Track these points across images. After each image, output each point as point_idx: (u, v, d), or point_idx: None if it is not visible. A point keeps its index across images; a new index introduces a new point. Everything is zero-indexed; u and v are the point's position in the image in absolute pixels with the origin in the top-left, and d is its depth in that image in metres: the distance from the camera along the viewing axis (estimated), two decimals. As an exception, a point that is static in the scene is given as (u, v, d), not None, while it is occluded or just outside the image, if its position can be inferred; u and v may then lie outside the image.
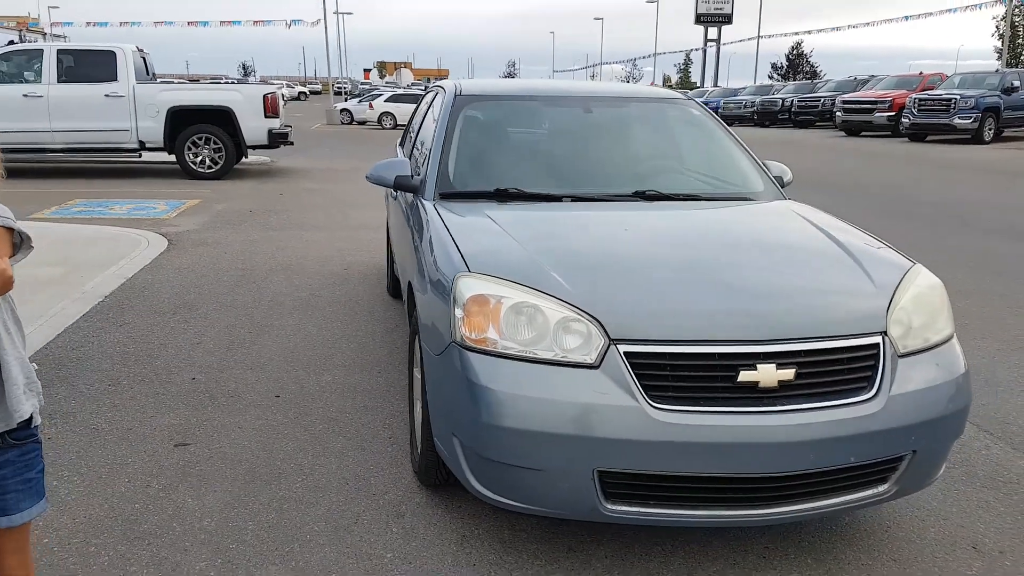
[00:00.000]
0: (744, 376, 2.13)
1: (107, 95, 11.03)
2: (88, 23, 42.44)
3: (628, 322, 2.18)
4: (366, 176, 3.54)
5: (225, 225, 8.29)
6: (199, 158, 11.81)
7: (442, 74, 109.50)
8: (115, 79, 11.08)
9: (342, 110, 32.98)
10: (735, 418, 2.10)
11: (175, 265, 6.35)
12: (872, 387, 2.22)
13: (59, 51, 11.11)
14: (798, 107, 30.86)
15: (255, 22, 39.23)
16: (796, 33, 71.15)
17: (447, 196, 3.18)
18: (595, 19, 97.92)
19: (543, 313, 2.21)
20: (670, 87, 66.87)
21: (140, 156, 11.98)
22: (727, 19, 59.78)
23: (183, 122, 11.60)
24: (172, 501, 2.73)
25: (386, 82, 77.46)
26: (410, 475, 2.94)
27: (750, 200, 3.34)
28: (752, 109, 33.85)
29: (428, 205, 3.09)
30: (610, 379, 2.12)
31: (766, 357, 2.15)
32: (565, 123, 3.71)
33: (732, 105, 35.58)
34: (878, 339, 2.28)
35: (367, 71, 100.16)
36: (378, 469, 3.00)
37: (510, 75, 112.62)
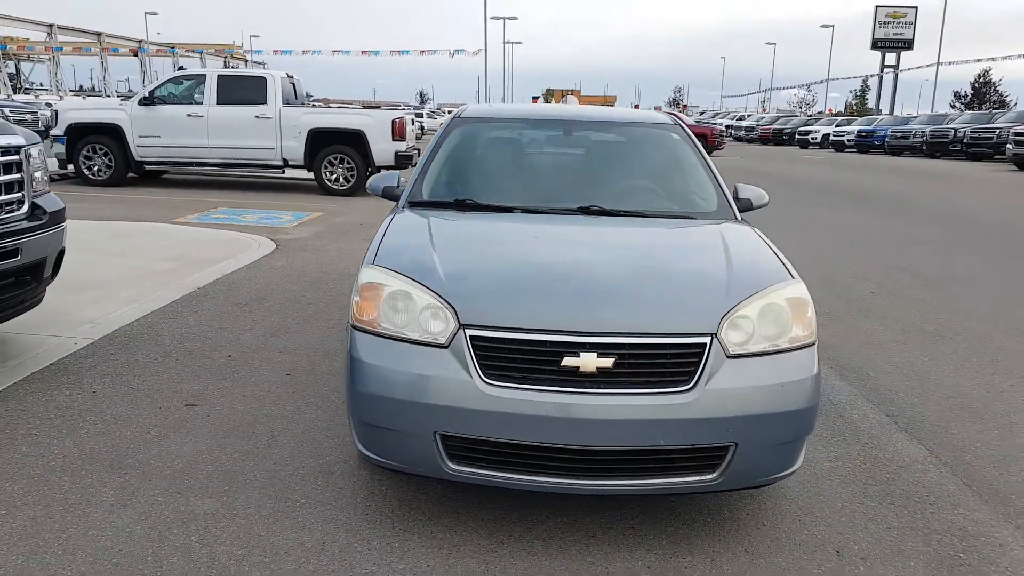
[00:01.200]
0: (567, 361, 2.44)
1: (257, 116, 12.46)
2: (275, 51, 46.86)
3: (476, 310, 2.55)
4: (366, 187, 4.08)
5: (333, 234, 9.20)
6: (334, 176, 13.00)
7: (608, 101, 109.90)
8: (264, 102, 12.50)
9: (492, 133, 34.34)
10: (554, 396, 2.41)
11: (270, 266, 7.23)
12: (691, 381, 2.45)
13: (219, 76, 12.70)
14: (971, 138, 28.53)
15: (421, 52, 41.73)
16: (979, 60, 65.19)
17: (415, 205, 3.65)
18: (767, 44, 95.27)
19: (413, 301, 2.62)
20: (852, 113, 63.27)
21: (283, 172, 13.37)
22: (907, 45, 56.31)
23: (321, 143, 12.82)
24: (159, 445, 3.36)
25: (548, 107, 78.99)
26: (354, 442, 3.41)
27: (691, 218, 3.55)
28: (921, 139, 31.76)
29: (396, 212, 3.57)
30: (454, 357, 2.50)
31: (588, 347, 2.44)
32: (542, 144, 4.08)
33: (900, 134, 33.59)
34: (706, 340, 2.49)
35: (535, 98, 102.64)
36: (333, 437, 3.49)
37: (675, 101, 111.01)
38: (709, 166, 3.89)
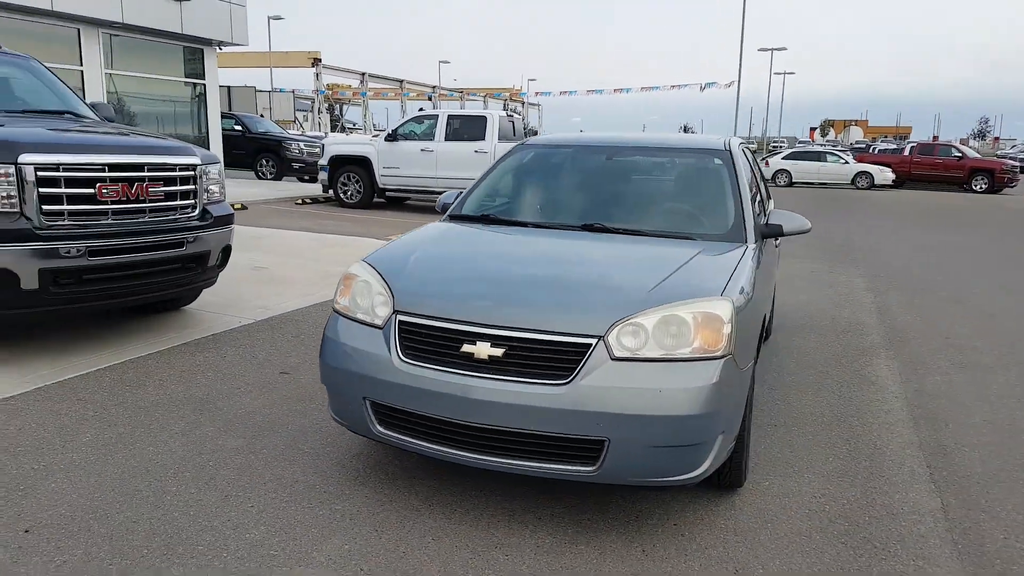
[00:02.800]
0: (465, 348, 2.80)
1: (475, 151, 13.74)
2: (536, 93, 49.65)
3: (406, 300, 3.01)
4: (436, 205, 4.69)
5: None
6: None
7: (903, 132, 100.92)
8: (483, 139, 13.76)
9: (745, 170, 33.40)
10: (452, 377, 2.79)
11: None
12: (569, 376, 2.68)
13: (448, 116, 14.24)
14: None
15: (671, 86, 41.85)
16: None
17: (455, 218, 4.18)
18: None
19: (372, 290, 3.15)
20: None
21: (500, 200, 14.52)
22: None
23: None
24: (240, 399, 4.21)
25: (826, 140, 74.89)
26: (377, 416, 3.99)
27: (688, 239, 3.62)
28: None
29: (435, 223, 4.13)
30: (384, 337, 2.98)
31: (484, 337, 2.79)
32: (583, 168, 4.35)
33: None
34: (591, 341, 2.71)
35: (813, 130, 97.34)
36: (365, 409, 4.11)
37: (981, 133, 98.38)
38: (739, 191, 3.92)
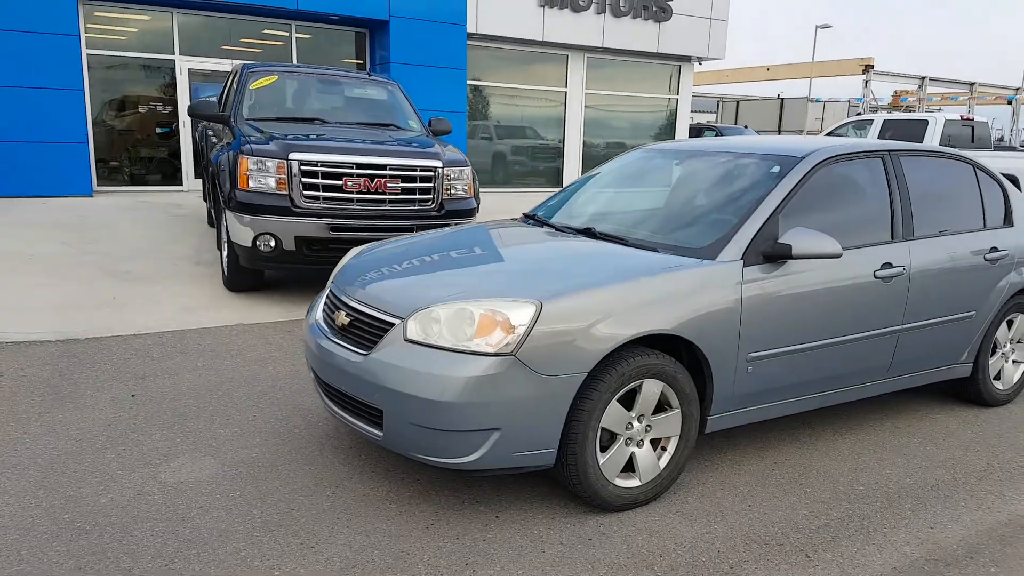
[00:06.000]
0: (335, 315, 3.36)
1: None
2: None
3: (340, 276, 3.65)
4: None
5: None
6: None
7: None
8: (921, 143, 11.97)
9: None
10: (321, 338, 3.38)
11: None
12: (371, 348, 3.05)
13: (885, 120, 12.71)
14: None
15: None
16: None
17: (527, 216, 4.49)
18: None
19: (337, 268, 3.87)
20: None
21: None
22: None
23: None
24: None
25: None
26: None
27: (652, 250, 3.35)
28: None
29: (506, 221, 4.53)
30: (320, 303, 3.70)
31: (345, 307, 3.32)
32: (646, 173, 4.13)
33: None
34: (396, 322, 3.02)
35: None
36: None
37: None
38: (758, 205, 3.38)
